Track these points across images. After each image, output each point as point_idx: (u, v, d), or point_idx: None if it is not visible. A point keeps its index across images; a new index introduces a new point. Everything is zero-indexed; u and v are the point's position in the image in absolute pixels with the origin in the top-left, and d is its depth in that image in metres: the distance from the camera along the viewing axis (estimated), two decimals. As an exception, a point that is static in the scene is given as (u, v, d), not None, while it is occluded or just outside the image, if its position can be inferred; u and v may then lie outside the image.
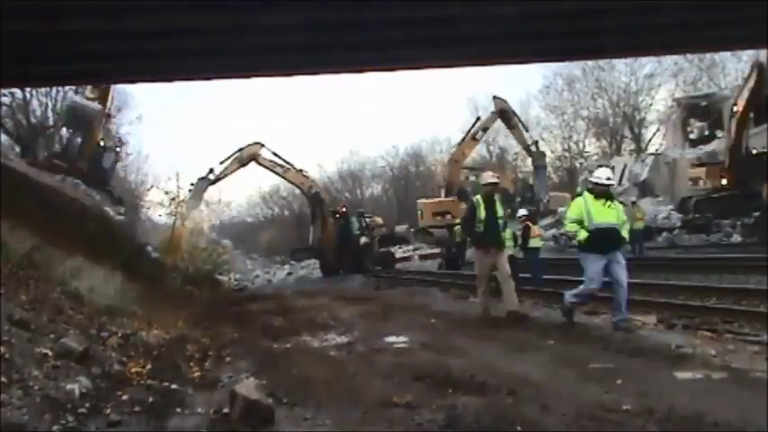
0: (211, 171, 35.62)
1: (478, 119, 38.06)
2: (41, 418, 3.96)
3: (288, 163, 38.18)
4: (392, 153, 63.25)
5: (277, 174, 39.31)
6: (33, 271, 7.93)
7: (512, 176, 37.89)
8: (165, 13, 10.66)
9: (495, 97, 38.41)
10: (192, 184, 30.82)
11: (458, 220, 33.14)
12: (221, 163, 36.22)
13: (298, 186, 41.96)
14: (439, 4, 10.95)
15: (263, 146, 37.06)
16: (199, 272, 21.82)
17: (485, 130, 38.06)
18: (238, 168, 37.03)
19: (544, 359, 6.33)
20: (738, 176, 25.39)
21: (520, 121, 37.38)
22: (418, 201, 40.09)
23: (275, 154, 37.47)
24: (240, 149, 36.63)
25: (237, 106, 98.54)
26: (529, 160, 42.12)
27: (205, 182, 34.67)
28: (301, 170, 39.21)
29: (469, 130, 37.97)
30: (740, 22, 12.54)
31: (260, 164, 37.61)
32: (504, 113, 36.52)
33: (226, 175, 36.64)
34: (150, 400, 4.95)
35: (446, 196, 36.30)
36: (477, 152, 45.81)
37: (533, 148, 36.69)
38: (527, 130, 37.86)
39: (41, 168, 20.40)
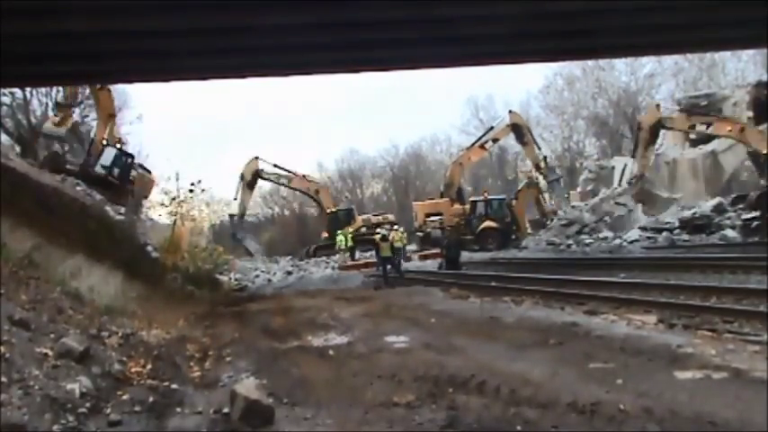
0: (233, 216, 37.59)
1: (491, 128, 37.56)
2: (42, 417, 3.96)
3: (290, 171, 38.41)
4: (392, 152, 63.37)
5: (282, 185, 39.93)
6: (33, 271, 7.94)
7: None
8: (164, 13, 10.66)
9: (510, 111, 37.90)
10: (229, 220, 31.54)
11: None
12: (234, 199, 37.45)
13: (304, 192, 42.17)
14: (438, 4, 10.95)
15: (257, 158, 37.55)
16: (199, 271, 21.79)
17: (495, 140, 37.51)
18: (252, 192, 38.48)
19: (544, 358, 6.34)
20: None
21: (533, 138, 36.74)
22: (414, 203, 40.07)
23: (276, 165, 37.89)
24: (241, 176, 37.28)
25: (237, 105, 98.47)
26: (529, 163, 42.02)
27: (237, 218, 37.46)
28: (305, 175, 39.39)
29: (480, 138, 37.56)
30: (740, 22, 12.54)
31: (264, 179, 38.10)
32: (517, 128, 35.80)
33: (246, 207, 38.57)
34: (150, 399, 4.96)
35: (443, 197, 36.00)
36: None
37: (542, 164, 36.26)
38: (539, 148, 37.18)
39: (43, 168, 20.32)
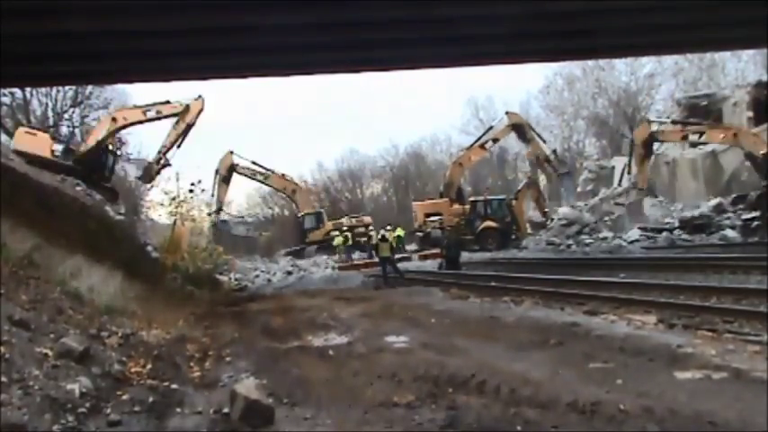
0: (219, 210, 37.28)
1: (490, 128, 36.68)
2: (41, 417, 3.96)
3: (267, 169, 38.32)
4: (392, 152, 63.28)
5: (259, 181, 39.62)
6: (33, 271, 7.93)
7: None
8: (164, 13, 10.67)
9: (507, 112, 37.36)
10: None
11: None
12: (212, 195, 36.90)
13: (280, 191, 42.03)
14: (438, 4, 10.96)
15: (232, 153, 37.41)
16: (199, 271, 21.77)
17: (495, 140, 37.07)
18: (228, 187, 37.99)
19: (544, 358, 6.34)
20: None
21: (536, 133, 36.21)
22: (413, 203, 39.95)
23: (253, 162, 37.84)
24: (216, 170, 37.12)
25: (236, 105, 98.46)
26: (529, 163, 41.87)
27: (214, 214, 36.62)
28: (283, 174, 39.23)
29: (479, 138, 37.16)
30: (740, 22, 12.55)
31: (239, 173, 37.98)
32: (518, 128, 35.21)
33: (222, 201, 38.05)
34: (150, 399, 4.96)
35: (443, 197, 35.85)
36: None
37: (552, 158, 35.70)
38: (545, 142, 36.19)
39: (42, 166, 20.35)
